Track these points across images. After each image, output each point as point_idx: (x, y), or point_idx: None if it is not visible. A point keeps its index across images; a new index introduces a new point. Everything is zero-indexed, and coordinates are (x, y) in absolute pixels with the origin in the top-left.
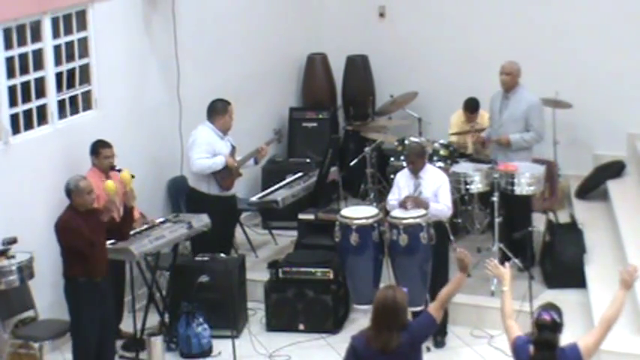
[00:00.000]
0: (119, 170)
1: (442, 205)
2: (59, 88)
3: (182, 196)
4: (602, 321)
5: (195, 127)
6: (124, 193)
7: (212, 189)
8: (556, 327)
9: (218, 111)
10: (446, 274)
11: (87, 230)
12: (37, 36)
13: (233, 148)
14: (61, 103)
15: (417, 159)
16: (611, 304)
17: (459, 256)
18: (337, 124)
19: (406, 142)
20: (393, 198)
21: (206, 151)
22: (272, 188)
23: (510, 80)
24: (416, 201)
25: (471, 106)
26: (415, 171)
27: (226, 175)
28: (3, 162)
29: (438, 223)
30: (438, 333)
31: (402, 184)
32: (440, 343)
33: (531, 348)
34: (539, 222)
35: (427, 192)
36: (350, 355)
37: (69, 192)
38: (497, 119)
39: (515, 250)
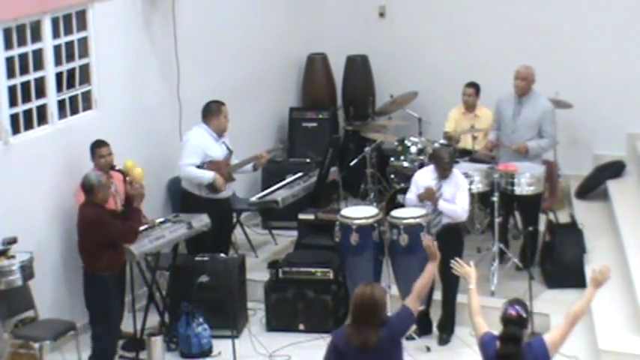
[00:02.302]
0: (119, 170)
1: (457, 207)
2: (59, 88)
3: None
4: (569, 316)
5: (191, 128)
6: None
7: (203, 191)
8: (522, 322)
9: (212, 112)
10: (457, 279)
11: (119, 225)
12: (37, 36)
13: (230, 151)
14: (61, 103)
15: (451, 163)
16: (580, 300)
17: (425, 244)
18: (337, 124)
19: (406, 142)
20: (410, 197)
21: (196, 155)
22: (272, 188)
23: (526, 85)
24: (431, 194)
25: (469, 82)
26: (447, 175)
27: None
28: (3, 162)
29: (454, 227)
30: (445, 330)
31: (422, 184)
32: (445, 341)
33: (498, 343)
34: (539, 222)
35: (448, 194)
36: (331, 352)
37: (91, 187)
38: (510, 124)
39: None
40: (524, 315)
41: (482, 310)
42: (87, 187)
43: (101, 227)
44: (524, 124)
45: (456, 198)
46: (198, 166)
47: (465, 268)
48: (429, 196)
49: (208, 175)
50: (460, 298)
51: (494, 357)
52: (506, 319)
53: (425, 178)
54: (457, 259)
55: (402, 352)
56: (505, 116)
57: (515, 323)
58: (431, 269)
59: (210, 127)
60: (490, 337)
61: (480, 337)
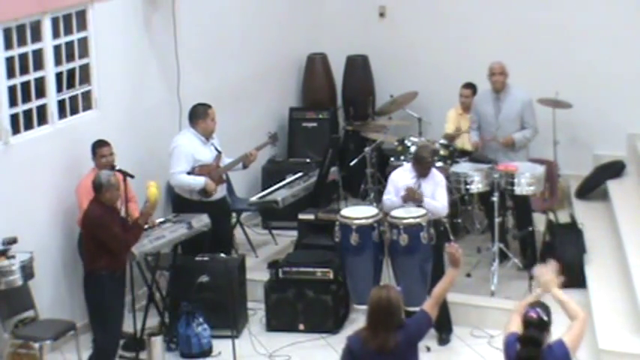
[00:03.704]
0: (119, 170)
1: (438, 203)
2: (59, 88)
3: None
4: (576, 317)
5: (179, 132)
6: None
7: (194, 195)
8: (543, 325)
9: (199, 115)
10: (443, 273)
11: (118, 227)
12: (37, 36)
13: (219, 152)
14: (61, 103)
15: (432, 162)
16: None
17: (449, 251)
18: (337, 124)
19: (406, 142)
20: (389, 197)
21: (186, 161)
22: (272, 188)
23: (504, 80)
24: (415, 194)
25: (467, 83)
26: (427, 174)
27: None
28: (3, 162)
29: (437, 222)
30: (443, 330)
31: (402, 184)
32: (444, 341)
33: (518, 345)
34: (539, 222)
35: (427, 192)
36: (346, 356)
37: (100, 186)
38: (493, 122)
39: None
40: (545, 318)
41: (482, 310)
42: (97, 185)
43: (100, 228)
44: (506, 118)
45: (436, 195)
46: (189, 172)
47: (546, 277)
48: (412, 196)
49: (200, 181)
50: (452, 297)
51: (515, 359)
52: (526, 322)
53: (403, 177)
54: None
55: (418, 356)
56: (486, 114)
57: (536, 326)
58: (452, 275)
59: (197, 130)
60: (513, 339)
61: (505, 337)
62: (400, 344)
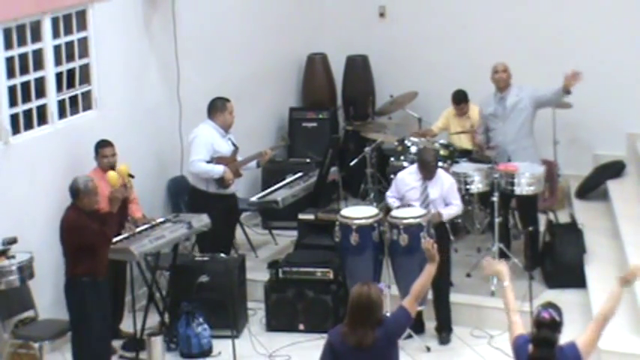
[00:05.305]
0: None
1: (454, 207)
2: (59, 88)
3: (182, 195)
4: (598, 317)
5: (196, 126)
6: (122, 185)
7: (210, 187)
8: (555, 325)
9: (217, 108)
10: (448, 274)
11: (95, 224)
12: (37, 36)
13: (235, 148)
14: (61, 103)
15: (436, 165)
16: (607, 300)
17: (425, 247)
18: (337, 124)
19: (406, 142)
20: (392, 195)
21: (205, 151)
22: (272, 188)
23: (507, 78)
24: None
25: (457, 98)
26: (432, 177)
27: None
28: (3, 162)
29: (439, 223)
30: (443, 329)
31: (407, 187)
32: (445, 340)
33: (531, 347)
34: (537, 222)
35: (434, 194)
36: (327, 351)
37: (77, 191)
38: (500, 115)
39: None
40: (557, 319)
41: (482, 310)
42: (73, 190)
43: (77, 231)
44: (512, 109)
45: (449, 197)
46: (208, 162)
47: (496, 267)
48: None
49: (218, 169)
50: (452, 297)
51: None
52: (539, 323)
53: (409, 180)
54: (487, 258)
55: (398, 353)
56: (492, 113)
57: (549, 327)
58: (429, 271)
59: (216, 123)
60: (524, 341)
61: (513, 340)
62: (378, 340)
